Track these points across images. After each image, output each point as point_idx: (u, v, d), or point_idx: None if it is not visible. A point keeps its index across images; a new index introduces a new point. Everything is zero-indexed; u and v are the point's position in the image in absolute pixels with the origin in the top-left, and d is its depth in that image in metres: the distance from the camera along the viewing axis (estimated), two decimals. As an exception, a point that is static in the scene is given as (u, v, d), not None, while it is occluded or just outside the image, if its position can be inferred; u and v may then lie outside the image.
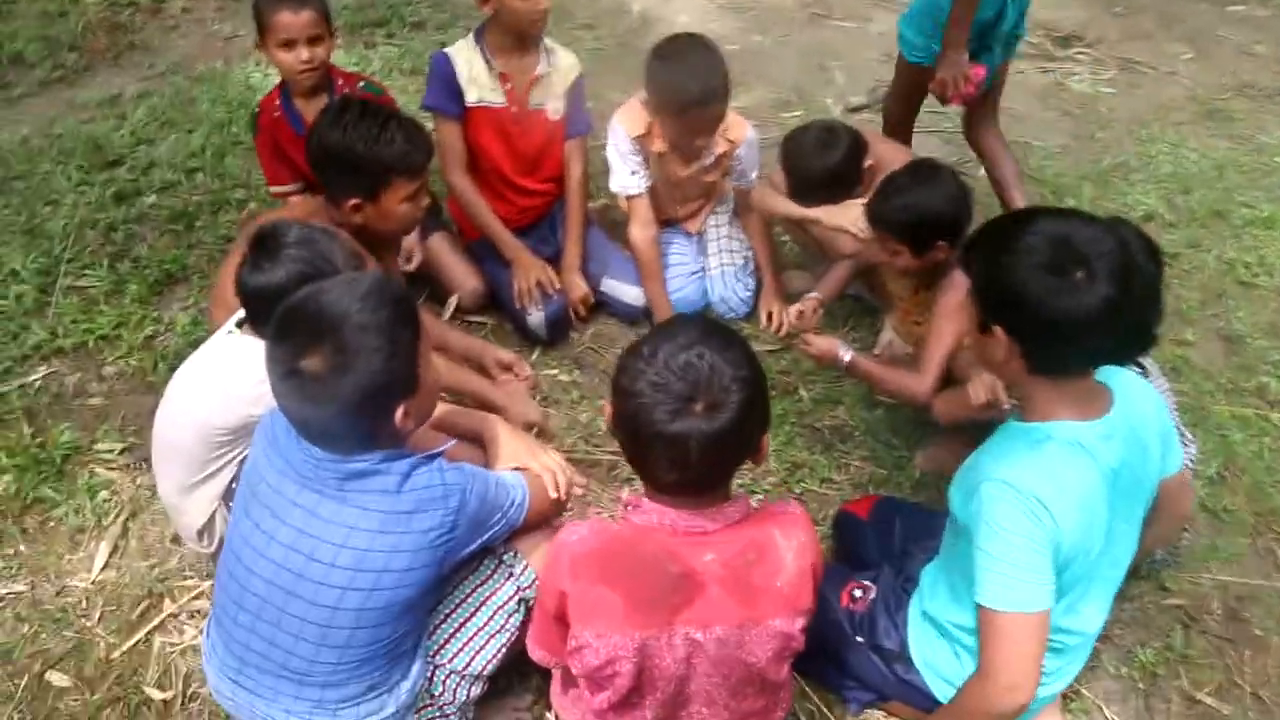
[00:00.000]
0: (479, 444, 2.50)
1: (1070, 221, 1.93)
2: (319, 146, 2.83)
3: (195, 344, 3.38)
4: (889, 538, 2.67)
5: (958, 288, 2.87)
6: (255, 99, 4.70)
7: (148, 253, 3.80)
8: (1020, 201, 3.85)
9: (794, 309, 3.32)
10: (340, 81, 3.47)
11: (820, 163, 3.28)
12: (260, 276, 2.37)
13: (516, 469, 2.38)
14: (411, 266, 3.55)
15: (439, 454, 2.09)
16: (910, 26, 3.70)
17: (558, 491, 2.37)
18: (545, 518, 2.36)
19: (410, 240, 3.53)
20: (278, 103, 3.44)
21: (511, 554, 2.29)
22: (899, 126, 3.98)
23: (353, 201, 2.80)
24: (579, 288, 3.60)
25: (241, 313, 2.49)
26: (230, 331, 2.47)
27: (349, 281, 2.00)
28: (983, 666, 2.02)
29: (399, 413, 2.01)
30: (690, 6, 6.03)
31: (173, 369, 3.30)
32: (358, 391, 1.91)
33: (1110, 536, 2.10)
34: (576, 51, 3.71)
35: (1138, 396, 2.15)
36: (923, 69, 3.63)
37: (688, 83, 3.21)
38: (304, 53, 3.29)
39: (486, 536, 2.16)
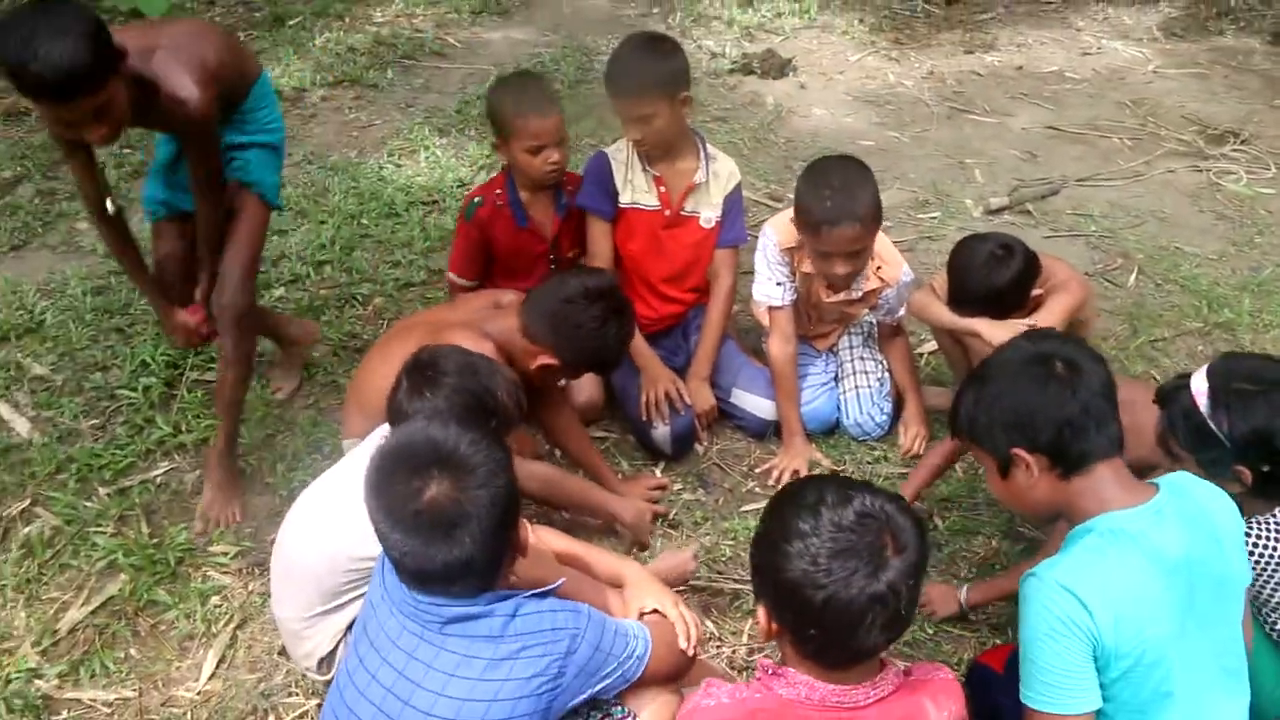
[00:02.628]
0: (614, 585, 2.39)
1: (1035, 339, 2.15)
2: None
3: (314, 445, 3.41)
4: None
5: None
6: (386, 190, 4.78)
7: (272, 349, 3.80)
8: None
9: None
10: (566, 179, 3.48)
11: (988, 280, 3.07)
12: (421, 404, 2.32)
13: (652, 612, 2.27)
14: None
15: (550, 591, 1.98)
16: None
17: (689, 643, 2.22)
18: (668, 673, 2.20)
19: None
20: (499, 191, 3.44)
21: (622, 710, 2.12)
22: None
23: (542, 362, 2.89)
24: (706, 399, 3.46)
25: (384, 430, 2.42)
26: None
27: (427, 420, 1.96)
28: None
29: (521, 538, 1.94)
30: (827, 99, 5.92)
31: (290, 470, 3.34)
32: (495, 507, 1.83)
33: (1188, 638, 1.93)
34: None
35: (1194, 489, 2.07)
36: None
37: (822, 197, 3.08)
38: (554, 154, 3.31)
39: (598, 687, 2.02)
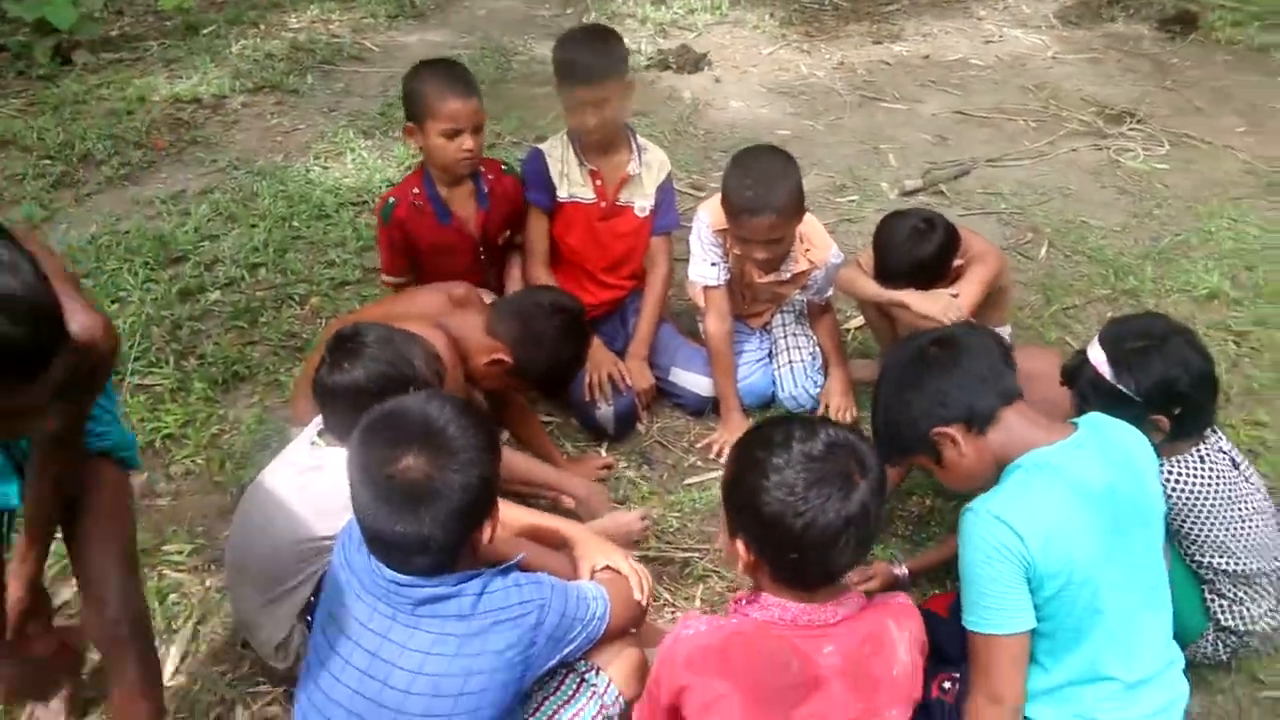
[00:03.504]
0: (561, 548, 2.46)
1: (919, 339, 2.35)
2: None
3: (261, 443, 3.44)
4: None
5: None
6: (315, 193, 4.80)
7: (212, 350, 3.82)
8: None
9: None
10: (484, 168, 3.47)
11: (912, 253, 3.21)
12: (340, 376, 2.38)
13: (604, 569, 2.35)
14: None
15: (513, 566, 2.06)
16: None
17: (643, 593, 2.32)
18: (626, 625, 2.30)
19: None
20: (417, 190, 3.40)
21: (593, 671, 2.22)
22: None
23: (496, 356, 2.95)
24: (646, 378, 3.58)
25: (318, 422, 2.48)
26: (313, 443, 2.46)
27: (430, 395, 2.02)
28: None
29: (485, 531, 2.00)
30: (742, 92, 6.09)
31: (239, 467, 3.37)
32: (465, 493, 1.90)
33: (1114, 561, 2.11)
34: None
35: (1109, 426, 2.25)
36: None
37: (743, 186, 3.21)
38: (468, 141, 3.27)
39: (566, 651, 2.11)
